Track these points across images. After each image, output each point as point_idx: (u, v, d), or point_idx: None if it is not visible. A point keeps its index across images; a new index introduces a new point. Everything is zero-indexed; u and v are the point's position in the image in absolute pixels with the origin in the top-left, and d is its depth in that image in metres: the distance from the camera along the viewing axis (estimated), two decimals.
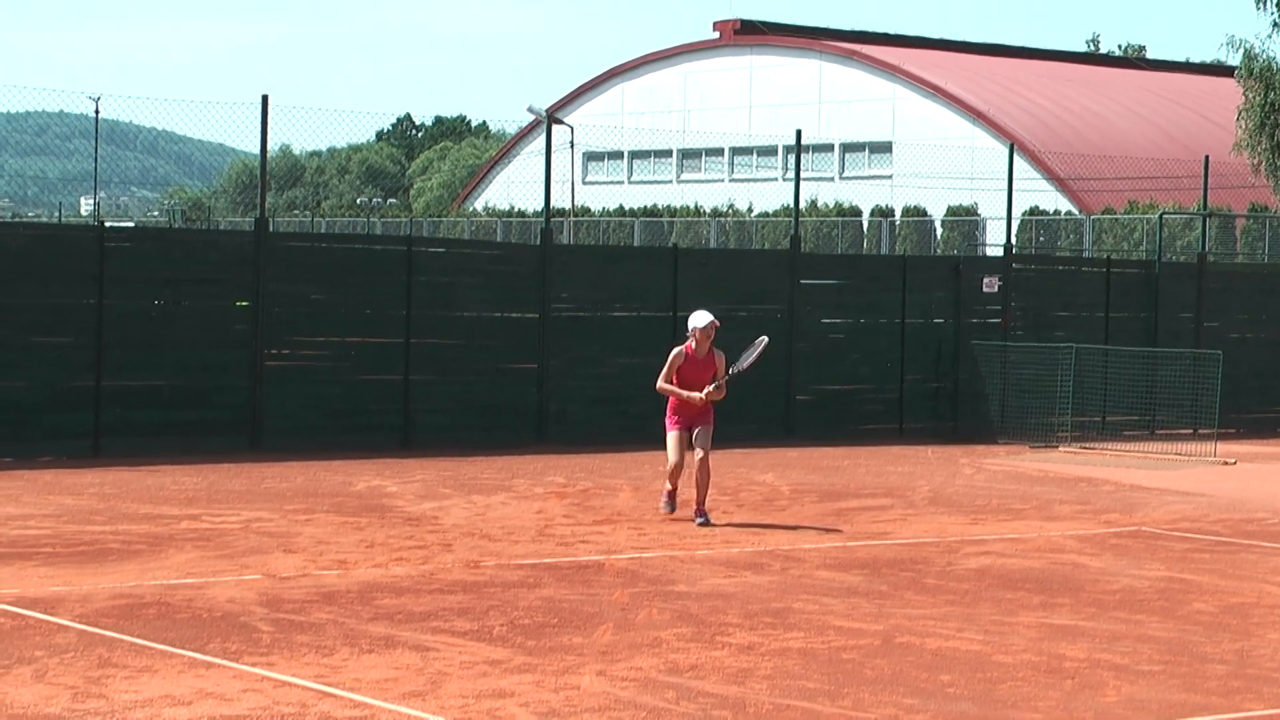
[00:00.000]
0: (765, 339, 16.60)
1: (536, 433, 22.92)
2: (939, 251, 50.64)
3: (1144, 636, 11.32)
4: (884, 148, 61.62)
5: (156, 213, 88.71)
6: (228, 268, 21.41)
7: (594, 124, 60.00)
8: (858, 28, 72.27)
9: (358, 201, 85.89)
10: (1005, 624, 11.61)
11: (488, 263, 23.96)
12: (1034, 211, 50.86)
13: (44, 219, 71.46)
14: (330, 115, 29.64)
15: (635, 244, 53.47)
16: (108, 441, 20.26)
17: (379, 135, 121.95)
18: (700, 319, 15.93)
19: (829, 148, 62.23)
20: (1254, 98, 40.49)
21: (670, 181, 67.19)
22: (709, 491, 16.12)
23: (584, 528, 15.61)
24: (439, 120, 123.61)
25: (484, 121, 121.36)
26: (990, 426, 25.41)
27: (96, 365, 20.36)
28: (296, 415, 21.46)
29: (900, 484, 19.80)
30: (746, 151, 64.37)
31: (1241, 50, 40.57)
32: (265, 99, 21.61)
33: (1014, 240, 28.60)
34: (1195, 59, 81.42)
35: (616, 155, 69.33)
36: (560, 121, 55.56)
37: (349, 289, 22.03)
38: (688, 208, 59.93)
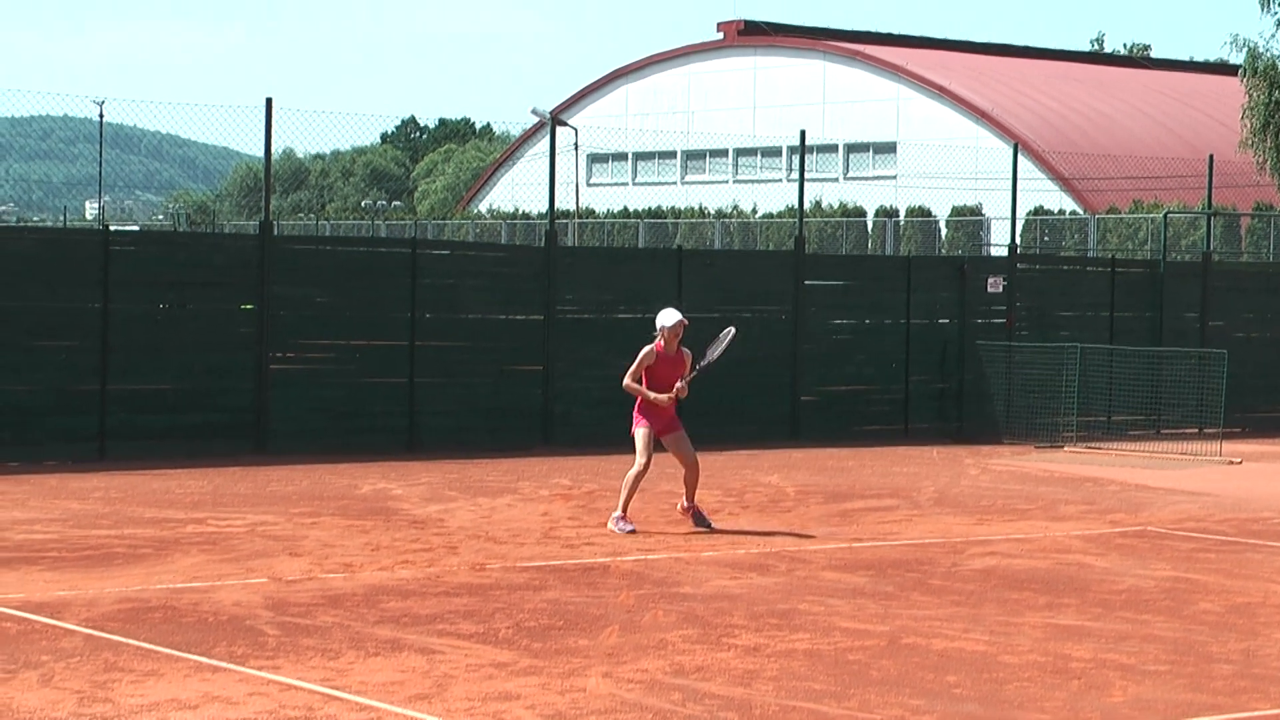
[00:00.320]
0: (732, 330, 16.26)
1: (542, 435, 22.93)
2: (943, 252, 50.62)
3: (1150, 636, 11.32)
4: (888, 148, 61.61)
5: (161, 216, 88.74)
6: (232, 271, 21.42)
7: (598, 125, 59.98)
8: (861, 28, 72.29)
9: (362, 204, 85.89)
10: (1011, 624, 11.60)
11: (492, 265, 23.97)
12: (1038, 211, 50.83)
13: (49, 223, 71.50)
14: (335, 118, 29.74)
15: (640, 246, 53.46)
16: (113, 445, 20.28)
17: (383, 138, 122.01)
18: (669, 317, 15.66)
19: (833, 148, 62.21)
20: (1258, 96, 40.48)
21: (674, 183, 67.18)
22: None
23: (589, 530, 15.61)
24: (443, 122, 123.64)
25: (488, 124, 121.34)
26: (995, 427, 25.40)
27: (102, 369, 20.38)
28: (301, 418, 21.47)
29: (905, 485, 19.80)
30: (751, 152, 64.35)
31: (1245, 49, 40.57)
32: (269, 102, 21.64)
33: (1019, 240, 28.60)
34: (1200, 58, 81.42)
35: (621, 157, 69.33)
36: (564, 123, 55.55)
37: (354, 292, 22.05)
38: (692, 209, 59.92)
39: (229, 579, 12.66)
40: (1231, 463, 23.06)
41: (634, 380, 15.70)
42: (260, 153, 22.24)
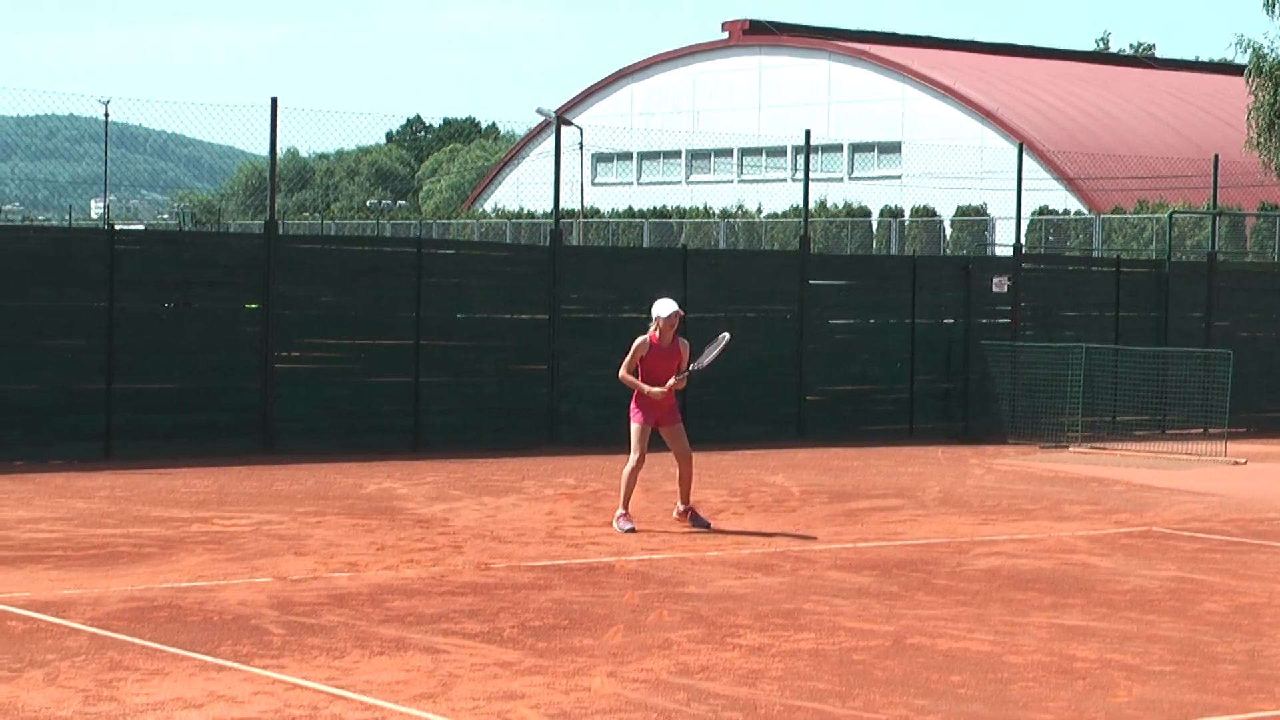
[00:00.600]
0: (727, 336, 16.14)
1: (547, 434, 22.93)
2: (948, 251, 50.59)
3: (1155, 637, 11.31)
4: (893, 148, 61.57)
5: (166, 215, 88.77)
6: (238, 270, 21.44)
7: (603, 125, 59.96)
8: (866, 27, 72.28)
9: (367, 204, 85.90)
10: (1016, 624, 11.60)
11: (497, 264, 23.98)
12: (1043, 211, 50.79)
13: (54, 222, 71.54)
14: (340, 117, 29.73)
15: (644, 245, 53.46)
16: (119, 444, 20.30)
17: (389, 137, 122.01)
18: (664, 308, 15.62)
19: (838, 148, 62.18)
20: (1264, 97, 40.47)
21: (679, 182, 67.16)
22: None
23: (595, 529, 15.62)
24: (448, 122, 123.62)
25: (493, 123, 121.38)
26: (1000, 427, 25.39)
27: (107, 368, 20.39)
28: (307, 417, 21.48)
29: (911, 484, 19.80)
30: (755, 152, 64.33)
31: (1251, 50, 40.56)
32: (274, 101, 21.65)
33: (1023, 240, 28.58)
34: (1205, 58, 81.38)
35: (625, 156, 69.30)
36: (569, 123, 55.55)
37: (359, 291, 22.06)
38: (697, 208, 59.89)
39: (234, 578, 12.67)
40: (1237, 463, 23.05)
41: (628, 372, 15.69)
42: (265, 152, 22.26)
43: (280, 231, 22.09)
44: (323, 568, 13.20)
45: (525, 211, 63.38)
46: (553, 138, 25.46)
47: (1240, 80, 42.91)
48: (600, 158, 68.69)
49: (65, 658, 9.97)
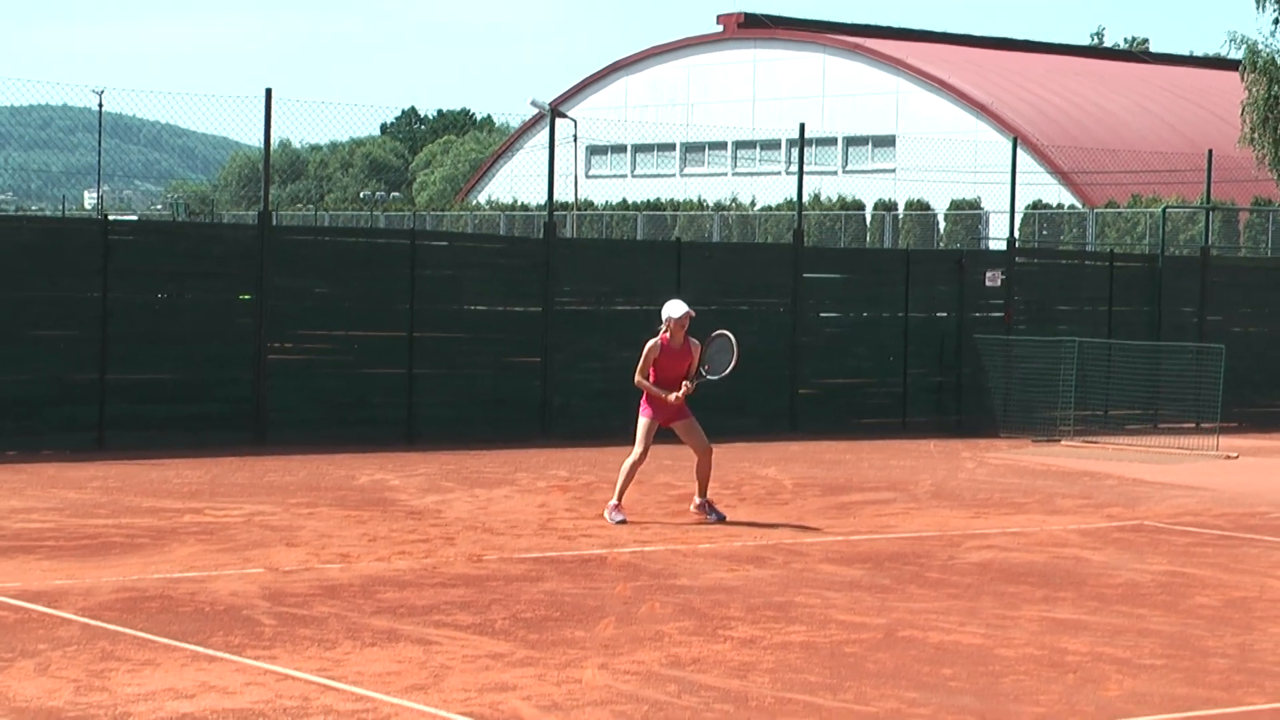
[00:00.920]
0: (729, 335, 16.09)
1: (540, 426, 22.93)
2: (942, 245, 50.61)
3: (1146, 630, 11.33)
4: (887, 141, 61.60)
5: (160, 206, 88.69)
6: (231, 261, 21.43)
7: (597, 117, 59.95)
8: (861, 21, 72.31)
9: (361, 195, 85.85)
10: (1007, 618, 11.62)
11: (491, 256, 23.98)
12: (1037, 205, 50.82)
13: (48, 212, 71.48)
14: (335, 108, 29.85)
15: (638, 238, 53.45)
16: (112, 435, 20.29)
17: (383, 128, 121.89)
18: (676, 309, 15.68)
19: (832, 141, 62.20)
20: (1258, 92, 40.46)
21: (673, 175, 67.15)
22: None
23: (587, 521, 15.62)
24: (442, 113, 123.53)
25: (488, 115, 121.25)
26: (993, 420, 25.41)
27: (101, 359, 20.38)
28: (300, 409, 21.48)
29: (903, 478, 19.81)
30: (750, 145, 64.34)
31: (1244, 46, 40.57)
32: (269, 92, 21.62)
33: (1017, 234, 28.59)
34: (1199, 53, 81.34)
35: (620, 149, 69.29)
36: (563, 115, 55.51)
37: (352, 283, 22.05)
38: (691, 201, 59.91)
39: (226, 569, 12.67)
40: (1228, 457, 23.07)
41: (642, 376, 15.75)
42: (259, 143, 22.24)
43: (274, 223, 22.07)
44: (315, 559, 13.20)
45: (519, 204, 63.35)
46: (547, 130, 25.45)
47: (1234, 75, 42.91)
48: (594, 150, 68.66)
49: (57, 648, 9.97)
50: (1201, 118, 61.57)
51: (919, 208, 53.28)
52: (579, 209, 55.99)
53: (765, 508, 16.95)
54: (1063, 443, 24.43)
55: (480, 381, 22.72)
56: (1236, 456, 23.20)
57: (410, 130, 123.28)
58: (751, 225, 55.59)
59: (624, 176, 68.80)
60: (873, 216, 53.99)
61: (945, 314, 26.13)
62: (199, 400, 20.98)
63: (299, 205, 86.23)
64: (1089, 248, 45.63)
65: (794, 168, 30.96)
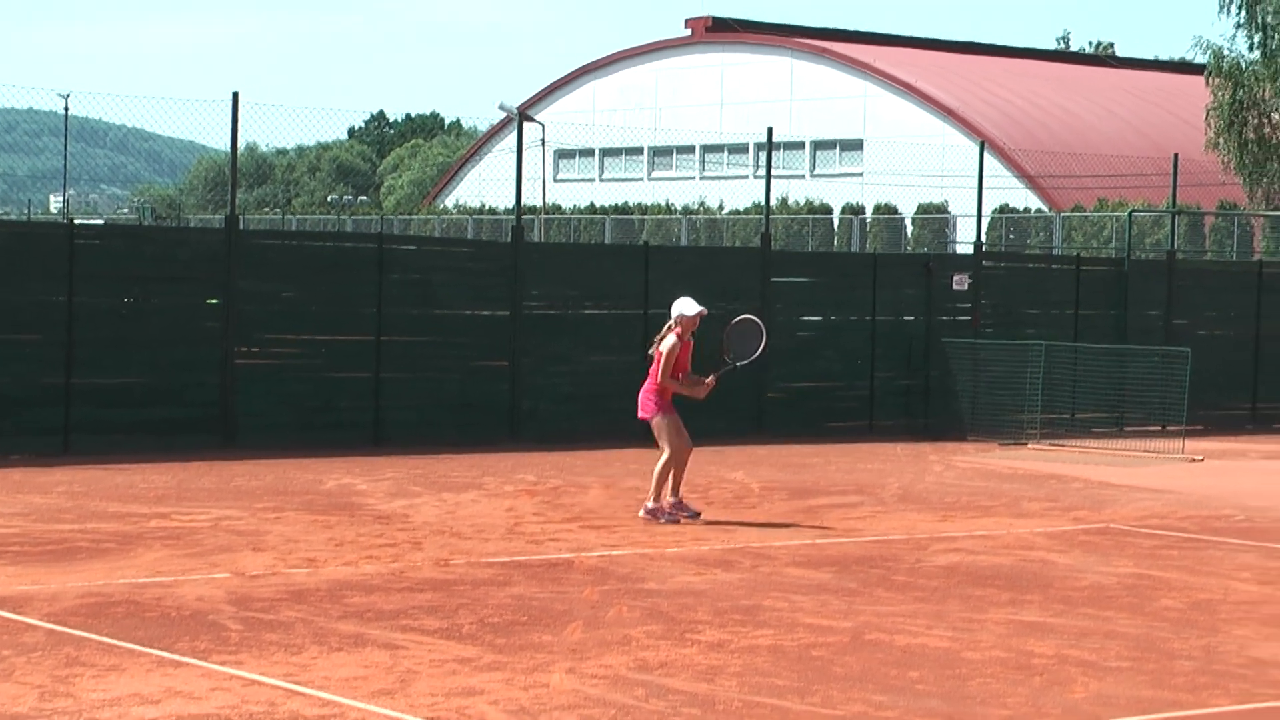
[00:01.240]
0: (754, 319, 16.93)
1: (508, 430, 22.90)
2: (909, 249, 50.73)
3: (1112, 633, 11.37)
4: (855, 145, 61.72)
5: (126, 210, 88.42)
6: (198, 265, 21.36)
7: (565, 121, 59.94)
8: (829, 25, 72.40)
9: (328, 199, 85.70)
10: (974, 621, 11.64)
11: (459, 260, 23.96)
12: (1004, 209, 50.98)
13: (13, 216, 71.20)
14: (302, 112, 29.69)
15: (606, 241, 53.46)
16: (77, 439, 20.20)
17: (351, 132, 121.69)
18: (690, 306, 16.08)
19: (800, 145, 62.31)
20: (1223, 97, 40.69)
21: (641, 179, 67.19)
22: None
23: (554, 525, 15.62)
24: (410, 118, 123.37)
25: (456, 119, 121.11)
26: (960, 424, 25.47)
27: (66, 363, 20.29)
28: (267, 413, 21.42)
29: (870, 481, 19.84)
30: (718, 149, 64.41)
31: (1210, 51, 40.78)
32: (236, 96, 21.56)
33: (984, 238, 28.67)
34: (1164, 57, 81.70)
35: (588, 153, 69.31)
36: (531, 119, 55.45)
37: (320, 287, 22.00)
38: (659, 205, 59.94)
39: (192, 574, 12.63)
40: (1194, 460, 23.16)
41: (671, 378, 16.01)
42: (227, 147, 22.18)
43: (241, 227, 22.02)
44: (281, 563, 13.17)
45: (487, 208, 63.32)
46: (515, 134, 25.45)
47: (1200, 80, 43.12)
48: (562, 154, 68.66)
49: (21, 654, 9.92)
50: (1167, 122, 61.82)
51: (886, 211, 53.40)
52: (547, 213, 55.98)
53: (732, 511, 16.97)
54: (1029, 446, 24.50)
55: (448, 385, 22.69)
56: (1202, 459, 23.28)
57: (378, 134, 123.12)
58: (719, 229, 55.65)
59: (592, 180, 68.82)
60: (840, 220, 54.10)
61: (912, 317, 26.18)
62: (166, 405, 20.91)
63: (266, 209, 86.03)
64: (1055, 251, 45.79)
65: (762, 171, 30.97)
